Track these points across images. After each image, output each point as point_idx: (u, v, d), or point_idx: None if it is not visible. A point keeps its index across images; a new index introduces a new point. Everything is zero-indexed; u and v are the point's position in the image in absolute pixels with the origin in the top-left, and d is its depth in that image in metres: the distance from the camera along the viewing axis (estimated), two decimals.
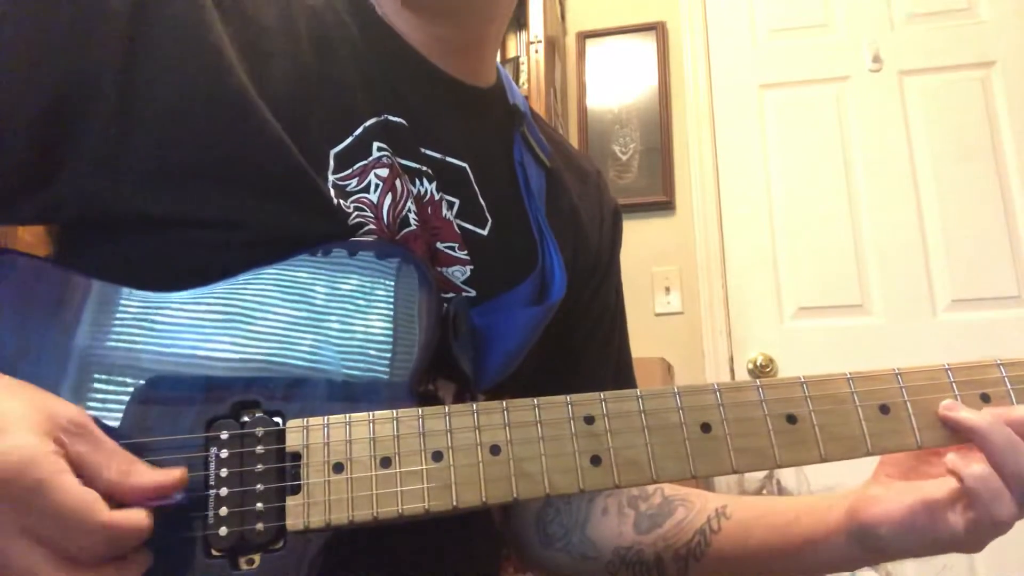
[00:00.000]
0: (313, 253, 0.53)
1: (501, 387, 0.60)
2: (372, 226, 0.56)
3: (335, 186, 0.55)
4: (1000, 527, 0.51)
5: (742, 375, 2.20)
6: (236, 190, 0.52)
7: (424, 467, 0.47)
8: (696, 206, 2.34)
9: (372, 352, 0.51)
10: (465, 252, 0.62)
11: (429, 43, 0.65)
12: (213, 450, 0.47)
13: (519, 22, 2.23)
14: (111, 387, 0.47)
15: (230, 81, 0.52)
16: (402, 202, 0.58)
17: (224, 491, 0.46)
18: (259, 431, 0.47)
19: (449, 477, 0.47)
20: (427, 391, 0.57)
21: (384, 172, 0.58)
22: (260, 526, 0.46)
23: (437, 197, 0.62)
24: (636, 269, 2.29)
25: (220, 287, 0.51)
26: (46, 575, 0.39)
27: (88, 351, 0.48)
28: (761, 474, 2.00)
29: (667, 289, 2.33)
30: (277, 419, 0.48)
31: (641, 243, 2.32)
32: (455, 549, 0.62)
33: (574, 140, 2.45)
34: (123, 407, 0.47)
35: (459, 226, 0.63)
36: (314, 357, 0.50)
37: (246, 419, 0.48)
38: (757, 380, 0.52)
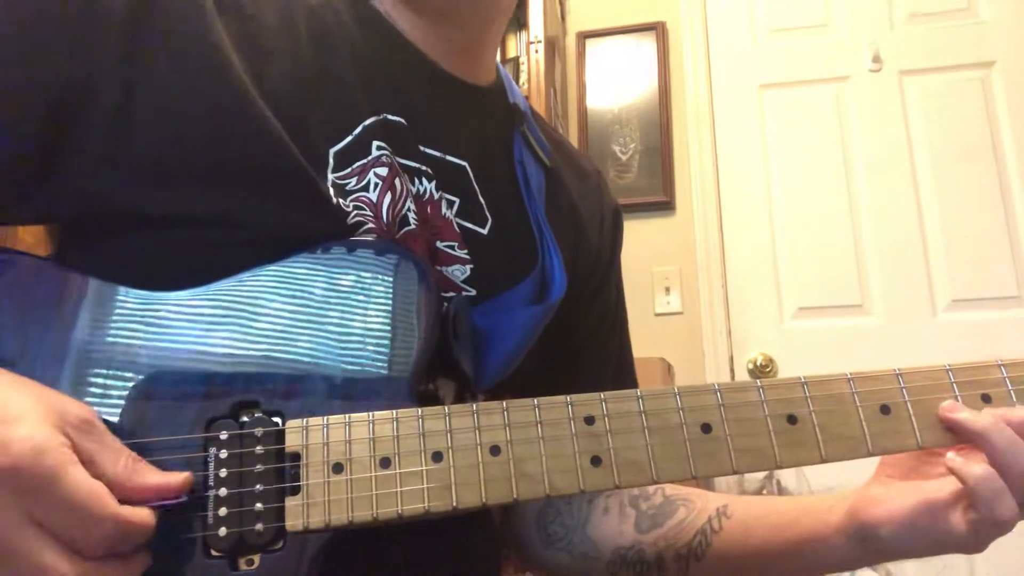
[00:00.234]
0: (312, 251, 0.52)
1: (501, 387, 0.60)
2: (371, 225, 0.56)
3: (334, 185, 0.55)
4: (1001, 527, 0.51)
5: (742, 375, 2.20)
6: (235, 189, 0.52)
7: (424, 467, 0.47)
8: (696, 206, 2.34)
9: (371, 347, 0.51)
10: (465, 251, 0.62)
11: (429, 41, 0.65)
12: (212, 450, 0.47)
13: (519, 22, 2.23)
14: (109, 384, 0.47)
15: (230, 80, 0.52)
16: (401, 201, 0.58)
17: (223, 491, 0.46)
18: (258, 431, 0.47)
19: (449, 477, 0.47)
20: (427, 390, 0.57)
21: (383, 171, 0.57)
22: (259, 527, 0.46)
23: (437, 196, 0.62)
24: (636, 269, 2.29)
25: (219, 285, 0.51)
26: (53, 565, 0.39)
27: (86, 349, 0.48)
28: (761, 474, 2.00)
29: (667, 289, 2.33)
30: (276, 419, 0.48)
31: (641, 243, 2.32)
32: (455, 550, 0.62)
33: (574, 140, 2.45)
34: (121, 405, 0.47)
35: (459, 225, 0.63)
36: (313, 354, 0.50)
37: (245, 419, 0.48)
38: (757, 380, 0.52)
